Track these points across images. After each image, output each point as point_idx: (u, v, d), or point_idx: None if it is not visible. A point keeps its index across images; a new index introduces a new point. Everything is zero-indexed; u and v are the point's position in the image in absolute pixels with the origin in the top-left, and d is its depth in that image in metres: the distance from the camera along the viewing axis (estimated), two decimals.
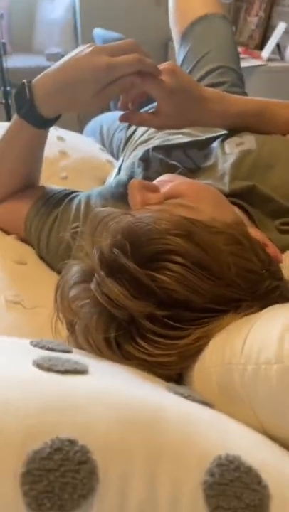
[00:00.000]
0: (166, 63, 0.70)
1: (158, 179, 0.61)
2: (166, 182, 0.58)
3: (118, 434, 0.26)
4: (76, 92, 0.65)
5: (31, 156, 0.78)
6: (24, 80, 0.68)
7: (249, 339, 0.36)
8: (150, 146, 0.81)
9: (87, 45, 0.66)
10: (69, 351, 0.39)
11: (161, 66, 0.69)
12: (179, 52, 1.13)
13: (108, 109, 1.66)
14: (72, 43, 2.89)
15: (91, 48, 0.64)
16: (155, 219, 0.43)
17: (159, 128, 0.66)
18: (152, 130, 0.90)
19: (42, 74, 0.68)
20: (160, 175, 0.72)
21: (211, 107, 0.73)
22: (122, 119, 0.72)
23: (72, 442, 0.24)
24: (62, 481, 0.23)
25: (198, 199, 0.54)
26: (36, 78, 0.68)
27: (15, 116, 0.71)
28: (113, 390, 0.29)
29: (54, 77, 0.66)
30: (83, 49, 0.65)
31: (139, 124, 0.74)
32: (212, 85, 1.05)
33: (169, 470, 0.25)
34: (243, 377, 0.34)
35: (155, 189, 0.56)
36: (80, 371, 0.32)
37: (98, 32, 2.09)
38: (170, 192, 0.55)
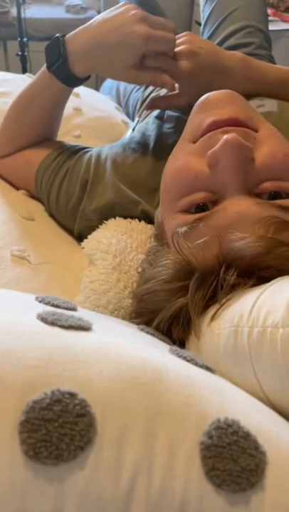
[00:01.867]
0: (183, 39, 0.67)
1: (217, 96, 0.56)
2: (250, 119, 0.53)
3: (118, 390, 0.26)
4: (113, 56, 0.64)
5: (54, 110, 0.77)
6: (58, 35, 0.66)
7: (258, 303, 0.36)
8: None
9: (130, 6, 0.63)
10: (74, 309, 0.39)
11: (180, 41, 0.67)
12: (204, 8, 1.08)
13: None
14: None
15: (134, 12, 0.62)
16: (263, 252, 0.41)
17: (187, 105, 0.64)
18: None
19: (78, 30, 0.66)
20: (174, 132, 0.71)
21: (236, 75, 0.71)
22: (149, 106, 0.74)
23: (72, 395, 0.24)
24: (60, 431, 0.23)
25: None
26: (71, 34, 0.66)
27: (43, 68, 0.69)
28: (115, 348, 0.29)
29: (92, 36, 0.64)
30: (125, 10, 0.63)
31: (167, 108, 0.74)
32: (238, 46, 1.00)
33: (167, 429, 0.25)
34: (249, 340, 0.34)
35: (251, 159, 0.49)
36: (84, 327, 0.31)
37: None
38: (272, 171, 0.49)
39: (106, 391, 0.25)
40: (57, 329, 0.30)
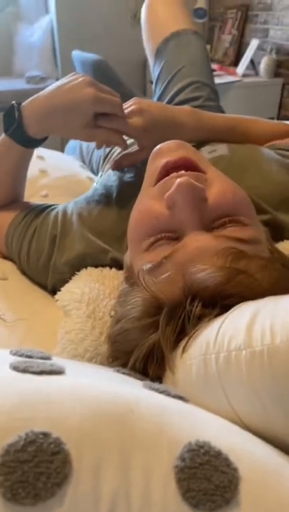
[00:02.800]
0: (132, 102, 0.75)
1: (168, 145, 0.61)
2: (195, 164, 0.57)
3: (91, 425, 0.27)
4: (65, 117, 0.70)
5: (18, 172, 0.81)
6: (13, 102, 0.72)
7: (222, 330, 0.38)
8: None
9: (80, 74, 0.70)
10: (48, 358, 0.40)
11: (128, 107, 0.74)
12: (154, 69, 1.17)
13: None
14: (51, 65, 2.95)
15: (83, 78, 0.69)
16: (221, 281, 0.43)
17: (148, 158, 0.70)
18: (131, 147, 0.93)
19: (33, 97, 0.72)
20: (134, 181, 0.75)
21: (186, 126, 0.78)
22: (115, 166, 0.80)
23: (46, 435, 0.25)
24: (36, 470, 0.24)
25: (251, 215, 0.55)
26: (27, 101, 0.72)
27: (3, 135, 0.75)
28: (87, 386, 0.30)
29: (45, 101, 0.70)
30: (75, 78, 0.69)
31: (131, 164, 0.80)
32: (187, 100, 1.09)
33: (141, 458, 0.26)
34: (217, 365, 0.36)
35: (204, 198, 0.53)
36: (56, 372, 0.33)
37: (76, 54, 2.14)
38: (224, 207, 0.54)
39: (79, 427, 0.26)
40: (28, 375, 0.31)
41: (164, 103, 1.13)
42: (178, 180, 0.52)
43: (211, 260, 0.46)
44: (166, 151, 0.60)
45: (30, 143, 0.74)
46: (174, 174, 0.56)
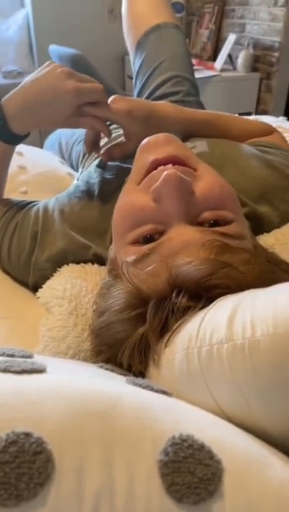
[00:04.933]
0: (112, 97, 0.74)
1: (156, 138, 0.60)
2: (188, 158, 0.57)
3: (73, 424, 0.26)
4: (48, 113, 0.69)
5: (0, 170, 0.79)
6: None
7: (203, 324, 0.38)
8: None
9: (56, 64, 0.68)
10: (30, 356, 0.39)
11: (110, 99, 0.73)
12: (134, 62, 1.16)
13: None
14: (28, 60, 2.90)
15: (61, 70, 0.67)
16: (207, 275, 0.43)
17: (135, 149, 0.70)
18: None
19: (11, 93, 0.71)
20: (116, 179, 0.75)
21: (171, 117, 0.78)
22: (106, 158, 0.79)
23: (27, 435, 0.25)
24: (18, 471, 0.24)
25: (236, 210, 0.56)
26: (6, 97, 0.70)
27: None
28: (68, 384, 0.30)
29: (25, 97, 0.69)
30: (52, 69, 0.68)
31: (121, 154, 0.78)
32: (167, 94, 1.09)
33: (124, 454, 0.26)
34: (199, 359, 0.36)
35: (191, 192, 0.53)
36: (37, 370, 0.32)
37: (53, 48, 2.12)
38: (210, 201, 0.54)
39: (61, 426, 0.26)
40: (10, 375, 0.30)
41: (144, 98, 1.13)
42: (165, 172, 0.52)
43: (196, 253, 0.46)
44: (154, 145, 0.59)
45: (15, 139, 0.73)
46: (161, 168, 0.55)
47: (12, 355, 0.38)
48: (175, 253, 0.48)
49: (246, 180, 0.71)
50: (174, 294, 0.44)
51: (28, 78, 0.71)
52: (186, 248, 0.48)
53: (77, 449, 0.26)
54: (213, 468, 0.26)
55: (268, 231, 0.69)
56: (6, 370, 0.31)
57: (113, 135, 0.84)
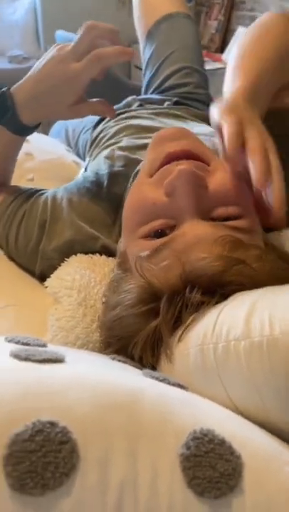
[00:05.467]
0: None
1: (171, 131, 0.59)
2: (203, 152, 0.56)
3: (97, 415, 0.27)
4: (51, 100, 0.67)
5: (7, 158, 0.79)
6: (4, 89, 0.69)
7: (220, 320, 0.38)
8: (115, 145, 0.83)
9: (59, 47, 0.67)
10: (44, 345, 0.40)
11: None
12: (144, 51, 1.14)
13: None
14: (34, 44, 2.87)
15: (63, 53, 0.65)
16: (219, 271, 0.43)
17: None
18: (120, 134, 0.91)
19: (21, 81, 0.69)
20: (125, 170, 0.74)
21: None
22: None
23: (53, 424, 0.25)
24: (44, 460, 0.24)
25: (248, 206, 0.55)
26: (15, 86, 0.69)
27: None
28: (90, 375, 0.30)
29: (33, 86, 0.68)
30: (56, 53, 0.66)
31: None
32: (178, 85, 1.08)
33: (147, 447, 0.27)
34: (215, 355, 0.36)
35: (204, 186, 0.53)
36: (58, 360, 0.32)
37: (60, 34, 2.09)
38: (223, 196, 0.53)
39: (85, 417, 0.26)
40: (31, 364, 0.30)
41: (153, 88, 1.12)
42: (178, 167, 0.52)
43: (209, 248, 0.46)
44: (168, 138, 0.59)
45: (24, 131, 0.72)
46: (175, 162, 0.55)
47: (27, 344, 0.38)
48: (188, 248, 0.48)
49: None
50: (187, 290, 0.44)
51: (36, 64, 0.69)
52: (198, 243, 0.48)
53: (101, 439, 0.26)
54: (234, 463, 0.27)
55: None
56: (27, 359, 0.31)
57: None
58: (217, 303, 0.43)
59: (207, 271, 0.43)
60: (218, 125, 0.54)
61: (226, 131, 0.52)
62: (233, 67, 0.65)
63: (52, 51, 0.67)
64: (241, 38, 0.74)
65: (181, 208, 0.52)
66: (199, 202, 0.52)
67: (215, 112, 0.56)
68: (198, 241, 0.48)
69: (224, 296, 0.43)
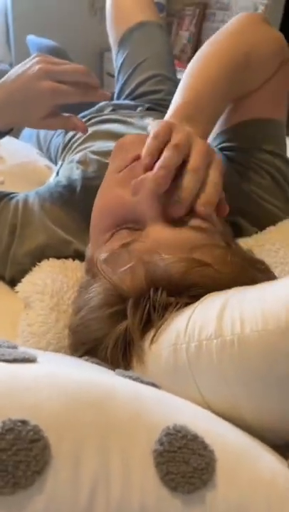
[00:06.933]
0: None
1: (131, 139, 0.60)
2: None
3: (69, 412, 0.26)
4: (24, 111, 0.67)
5: None
6: None
7: (192, 320, 0.38)
8: (88, 149, 0.83)
9: (36, 60, 0.66)
10: (15, 347, 0.39)
11: None
12: (117, 58, 1.15)
13: None
14: (5, 49, 2.84)
15: (38, 67, 0.64)
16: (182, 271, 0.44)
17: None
18: (92, 139, 0.91)
19: None
20: (98, 175, 0.74)
21: None
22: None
23: (24, 423, 0.25)
24: (15, 459, 0.23)
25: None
26: None
27: None
28: (62, 373, 0.30)
29: (4, 95, 0.67)
30: (31, 65, 0.65)
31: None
32: (149, 92, 1.09)
33: (120, 442, 0.26)
34: (188, 354, 0.36)
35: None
36: (29, 360, 0.32)
37: (32, 39, 2.07)
38: None
39: (57, 414, 0.26)
40: (2, 364, 0.30)
41: (125, 95, 1.13)
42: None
43: (172, 251, 0.47)
44: (130, 147, 0.59)
45: None
46: (140, 164, 0.56)
47: None
48: (149, 250, 0.48)
49: None
50: (152, 291, 0.44)
51: (11, 72, 0.69)
52: (161, 246, 0.48)
53: (73, 437, 0.26)
54: (207, 458, 0.27)
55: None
56: None
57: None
58: (187, 304, 0.43)
59: (170, 272, 0.44)
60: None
61: (152, 131, 0.54)
62: (179, 87, 0.69)
63: (32, 62, 0.66)
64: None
65: (146, 209, 0.52)
66: (162, 206, 0.52)
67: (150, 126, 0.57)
68: (161, 243, 0.49)
69: (196, 298, 0.43)
